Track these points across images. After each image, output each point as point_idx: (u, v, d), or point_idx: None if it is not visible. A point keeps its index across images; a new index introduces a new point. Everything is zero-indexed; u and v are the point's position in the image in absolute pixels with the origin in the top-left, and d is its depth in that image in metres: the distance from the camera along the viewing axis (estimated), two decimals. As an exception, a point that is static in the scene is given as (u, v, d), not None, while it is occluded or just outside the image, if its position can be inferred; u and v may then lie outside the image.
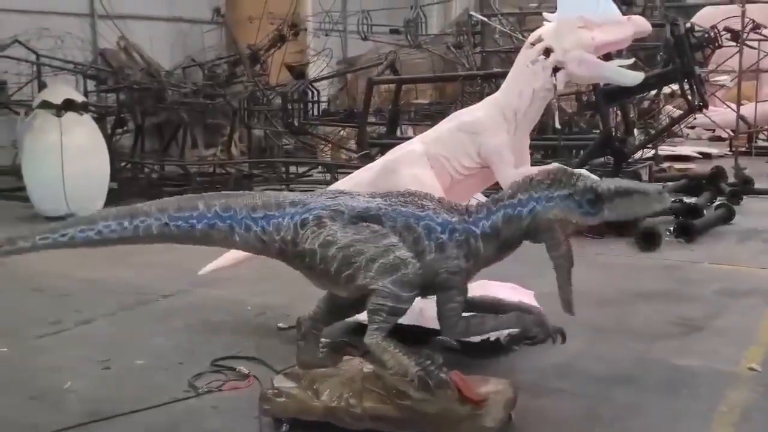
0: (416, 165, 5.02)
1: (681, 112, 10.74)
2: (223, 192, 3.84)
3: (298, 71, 14.94)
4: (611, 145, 9.18)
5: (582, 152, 9.83)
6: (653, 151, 12.27)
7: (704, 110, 10.05)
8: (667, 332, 5.25)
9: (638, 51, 11.48)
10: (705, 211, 9.10)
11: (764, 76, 17.36)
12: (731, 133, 15.74)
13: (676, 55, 9.06)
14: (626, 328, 5.35)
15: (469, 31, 15.18)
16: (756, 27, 14.12)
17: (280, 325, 5.34)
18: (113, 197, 10.47)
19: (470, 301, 3.86)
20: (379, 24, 18.48)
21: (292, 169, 12.86)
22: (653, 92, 12.30)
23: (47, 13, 16.04)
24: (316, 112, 15.37)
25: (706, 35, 11.29)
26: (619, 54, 7.21)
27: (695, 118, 13.23)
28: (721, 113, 15.69)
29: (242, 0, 17.36)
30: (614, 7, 5.11)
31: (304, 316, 3.93)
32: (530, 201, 3.70)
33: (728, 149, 16.16)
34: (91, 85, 14.63)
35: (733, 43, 13.35)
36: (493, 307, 3.91)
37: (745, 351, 4.87)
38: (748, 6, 13.53)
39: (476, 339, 4.57)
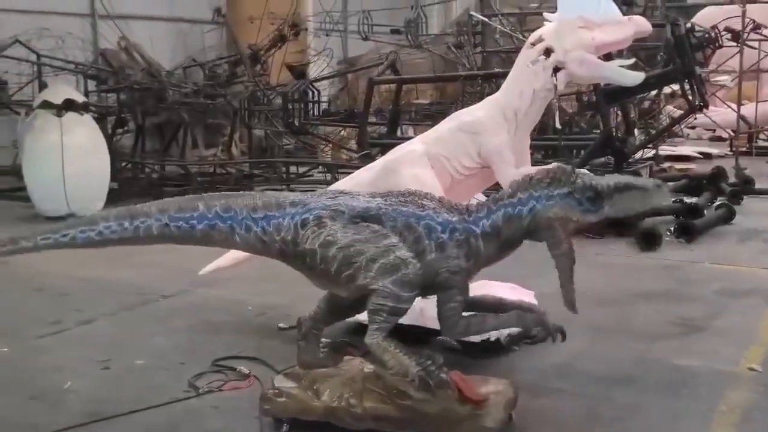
0: (417, 165, 5.03)
1: (681, 112, 10.76)
2: (223, 192, 3.84)
3: (298, 71, 14.94)
4: (612, 145, 9.19)
5: (582, 152, 9.82)
6: (654, 151, 12.27)
7: (705, 110, 10.06)
8: (667, 332, 5.25)
9: (639, 51, 11.48)
10: (705, 211, 9.10)
11: (765, 76, 17.36)
12: (732, 133, 15.74)
13: (676, 55, 9.06)
14: (626, 328, 5.35)
15: (469, 31, 15.18)
16: (756, 27, 14.13)
17: (281, 325, 5.35)
18: (114, 197, 10.48)
19: (472, 301, 3.87)
20: (379, 24, 18.47)
21: (293, 169, 12.86)
22: (654, 92, 12.32)
23: (48, 13, 16.05)
24: (316, 112, 15.38)
25: (707, 35, 11.29)
26: (619, 54, 7.21)
27: (696, 118, 13.24)
28: (721, 113, 15.70)
29: (243, 0, 17.37)
30: (615, 7, 5.11)
31: (305, 316, 3.94)
32: (530, 200, 3.70)
33: (729, 149, 16.16)
34: (91, 85, 14.63)
35: (734, 44, 13.37)
36: (495, 307, 3.91)
37: (746, 351, 4.87)
38: (748, 6, 13.53)
39: (476, 339, 4.57)
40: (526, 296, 5.02)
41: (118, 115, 12.78)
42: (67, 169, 9.58)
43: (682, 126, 13.46)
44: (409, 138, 7.00)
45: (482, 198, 4.71)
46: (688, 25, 9.99)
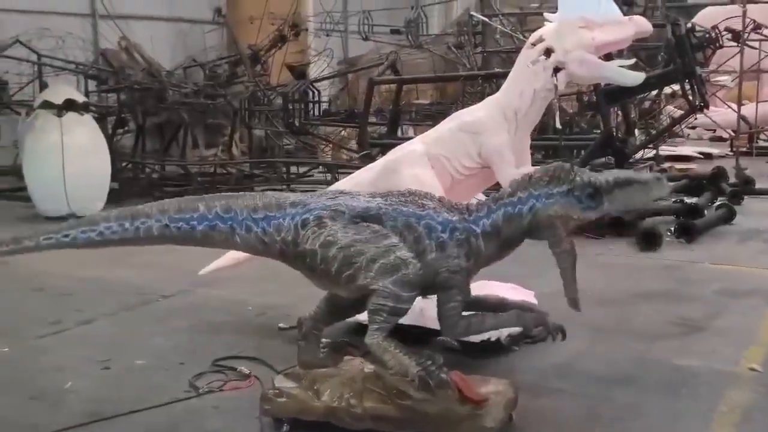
0: (417, 165, 5.03)
1: (682, 112, 10.75)
2: (223, 193, 3.85)
3: (299, 71, 14.95)
4: (612, 146, 9.18)
5: (583, 152, 9.82)
6: (654, 152, 12.27)
7: (705, 110, 10.05)
8: (667, 332, 5.25)
9: (639, 51, 11.49)
10: (706, 212, 9.10)
11: (765, 76, 17.38)
12: (732, 134, 15.74)
13: (677, 56, 9.06)
14: (626, 328, 5.35)
15: (470, 31, 15.19)
16: (757, 27, 14.13)
17: (281, 325, 5.34)
18: (114, 197, 10.49)
19: (475, 300, 3.87)
20: (380, 24, 18.48)
21: (293, 169, 12.86)
22: (654, 92, 12.31)
23: (48, 13, 16.07)
24: (317, 113, 15.39)
25: (707, 35, 11.28)
26: (620, 54, 7.22)
27: (696, 119, 13.23)
28: (722, 113, 15.70)
29: (243, 0, 17.37)
30: (615, 7, 5.11)
31: (305, 316, 3.93)
32: (530, 199, 3.70)
33: (729, 149, 16.17)
34: (92, 85, 14.66)
35: (734, 44, 13.37)
36: (497, 307, 3.91)
37: (746, 351, 4.87)
38: (749, 6, 13.53)
39: (476, 339, 4.57)
40: (527, 296, 5.03)
41: (119, 115, 12.79)
42: (67, 169, 9.59)
43: (683, 126, 13.46)
44: (410, 138, 7.00)
45: (482, 198, 4.71)
46: (689, 25, 9.99)
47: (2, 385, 4.46)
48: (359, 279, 3.52)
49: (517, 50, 6.42)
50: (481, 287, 4.23)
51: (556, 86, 5.01)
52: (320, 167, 12.76)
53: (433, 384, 3.45)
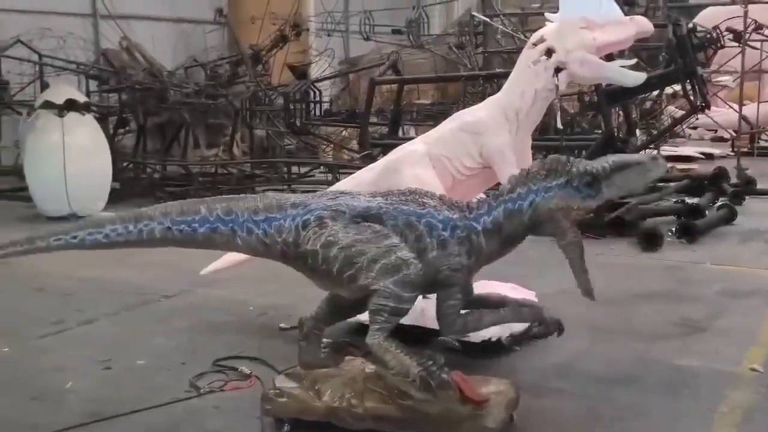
0: (418, 165, 5.03)
1: (683, 112, 10.74)
2: (225, 196, 3.86)
3: (300, 71, 14.94)
4: (613, 146, 9.15)
5: (584, 153, 9.81)
6: (655, 152, 12.27)
7: (706, 111, 10.05)
8: (668, 332, 5.25)
9: (640, 51, 11.47)
10: (707, 212, 9.10)
11: (766, 76, 17.35)
12: (733, 134, 15.73)
13: (678, 56, 9.05)
14: (627, 328, 5.35)
15: (471, 31, 15.18)
16: (758, 27, 14.11)
17: (282, 325, 5.35)
18: (115, 197, 10.50)
19: (476, 299, 3.87)
20: (381, 24, 18.48)
21: (294, 169, 12.87)
22: (655, 93, 12.31)
23: (49, 13, 16.07)
24: (318, 113, 15.37)
25: (709, 36, 11.29)
26: (621, 54, 7.21)
27: (697, 119, 13.22)
28: (723, 114, 15.69)
29: (244, 0, 17.38)
30: (616, 7, 5.10)
31: (306, 316, 3.94)
32: (529, 194, 3.71)
33: (730, 150, 16.16)
34: (93, 85, 14.67)
35: (736, 44, 13.35)
36: (498, 305, 3.92)
37: (747, 351, 4.86)
38: (750, 6, 13.52)
39: (477, 339, 4.58)
40: (528, 296, 5.02)
41: (120, 115, 12.81)
42: (68, 169, 9.59)
43: (684, 126, 13.46)
44: (411, 138, 7.00)
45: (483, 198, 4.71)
46: (690, 25, 9.99)
47: (3, 385, 4.46)
48: (360, 279, 3.52)
49: (519, 50, 6.42)
50: (481, 287, 4.23)
51: (557, 86, 5.00)
52: (321, 167, 12.77)
53: (434, 384, 3.45)
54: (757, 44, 14.83)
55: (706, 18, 15.57)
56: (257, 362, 4.62)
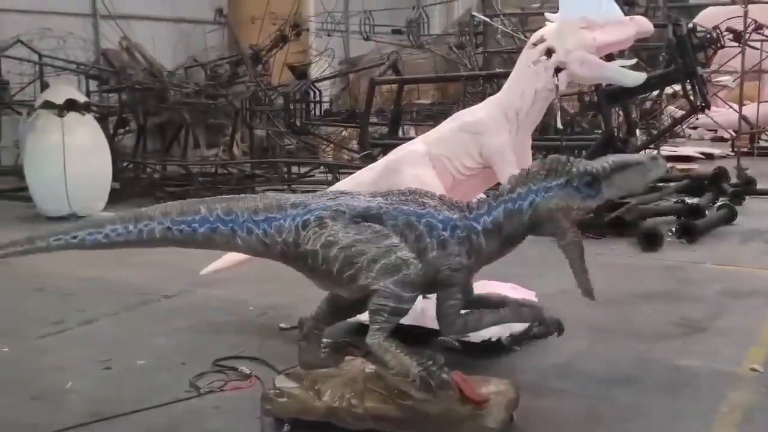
0: (418, 165, 5.02)
1: (683, 112, 10.74)
2: (225, 196, 3.86)
3: (300, 71, 14.94)
4: (613, 146, 9.14)
5: (584, 153, 9.81)
6: (655, 152, 12.26)
7: (706, 111, 10.05)
8: (668, 332, 5.25)
9: (640, 51, 11.47)
10: (707, 212, 9.10)
11: (766, 76, 17.35)
12: (733, 134, 15.73)
13: (678, 56, 9.05)
14: (627, 328, 5.35)
15: (471, 31, 15.18)
16: (758, 27, 14.11)
17: (282, 325, 5.35)
18: (115, 197, 10.50)
19: (476, 299, 3.87)
20: (381, 24, 18.48)
21: (294, 169, 12.87)
22: (655, 93, 12.30)
23: (49, 13, 16.07)
24: (318, 113, 15.38)
25: (709, 36, 11.27)
26: (621, 54, 7.21)
27: (697, 119, 13.22)
28: (723, 114, 15.69)
29: (244, 0, 17.38)
30: (616, 7, 5.10)
31: (306, 316, 3.94)
32: (529, 194, 3.71)
33: (730, 150, 16.16)
34: (93, 85, 14.67)
35: (736, 44, 13.35)
36: (498, 305, 3.92)
37: (747, 352, 4.86)
38: (750, 6, 13.52)
39: (477, 339, 4.58)
40: (528, 296, 5.02)
41: (120, 115, 12.81)
42: (68, 169, 9.59)
43: (684, 126, 13.45)
44: (411, 138, 6.99)
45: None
46: (690, 25, 9.99)
47: (3, 385, 4.46)
48: (360, 279, 3.52)
49: (519, 50, 6.42)
50: (481, 287, 4.23)
51: (557, 86, 5.00)
52: (321, 167, 12.77)
53: (435, 384, 3.45)
54: (757, 44, 14.83)
55: (706, 18, 15.57)
56: (257, 362, 4.62)
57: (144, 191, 11.49)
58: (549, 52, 4.97)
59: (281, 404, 3.74)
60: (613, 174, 3.69)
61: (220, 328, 5.42)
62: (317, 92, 15.23)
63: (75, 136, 9.78)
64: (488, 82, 11.69)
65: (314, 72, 15.60)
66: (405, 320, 3.81)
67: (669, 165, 13.06)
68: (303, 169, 13.05)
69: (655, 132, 12.10)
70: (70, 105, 9.88)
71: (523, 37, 12.12)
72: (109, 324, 5.64)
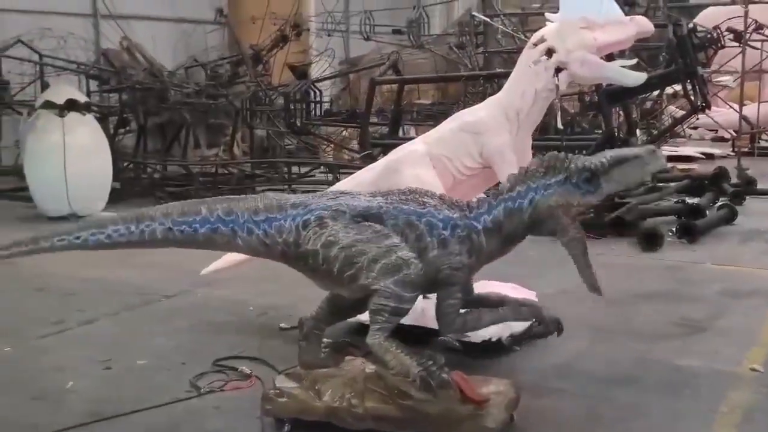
0: (418, 165, 5.03)
1: (683, 112, 10.74)
2: (225, 196, 3.86)
3: (300, 71, 14.94)
4: (614, 146, 9.16)
5: (585, 153, 9.81)
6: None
7: (707, 111, 10.05)
8: (668, 332, 5.25)
9: (641, 51, 11.47)
10: (707, 212, 9.10)
11: (767, 76, 17.35)
12: (734, 134, 15.72)
13: (678, 56, 9.05)
14: (627, 328, 5.35)
15: (471, 31, 15.19)
16: (759, 27, 14.11)
17: (282, 325, 5.35)
18: (116, 197, 10.50)
19: (476, 298, 3.87)
20: (381, 24, 18.47)
21: (295, 169, 12.86)
22: (656, 93, 12.30)
23: (50, 13, 16.05)
24: (318, 113, 15.38)
25: (709, 36, 11.28)
26: (621, 54, 7.21)
27: (698, 119, 13.22)
28: (723, 114, 15.69)
29: (245, 0, 17.38)
30: (617, 7, 5.10)
31: (306, 316, 3.94)
32: (529, 192, 3.70)
33: (731, 150, 16.15)
34: (93, 85, 14.67)
35: (736, 44, 13.35)
36: (498, 305, 3.91)
37: (748, 352, 4.86)
38: (750, 6, 13.52)
39: (478, 339, 4.58)
40: (528, 296, 5.02)
41: (120, 115, 12.80)
42: (69, 169, 9.58)
43: (684, 126, 13.46)
44: (411, 138, 6.99)
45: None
46: (691, 25, 9.98)
47: (3, 385, 4.47)
48: (361, 279, 3.52)
49: (519, 50, 6.42)
50: (482, 287, 4.23)
51: (557, 86, 5.00)
52: (322, 167, 12.76)
53: (435, 384, 3.45)
54: (758, 44, 14.83)
55: (707, 18, 15.57)
56: (257, 362, 4.62)
57: (144, 191, 11.50)
58: (549, 52, 4.97)
59: (281, 404, 3.75)
60: (612, 169, 3.68)
61: (220, 328, 5.42)
62: (318, 92, 15.24)
63: (75, 136, 9.78)
64: (488, 82, 11.70)
65: (314, 72, 15.60)
66: (405, 320, 3.81)
67: (669, 165, 13.12)
68: (303, 169, 13.04)
69: (655, 132, 12.10)
70: (71, 105, 9.88)
71: (523, 37, 12.12)
72: (110, 324, 5.64)
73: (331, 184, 9.12)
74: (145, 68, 13.49)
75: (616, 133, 9.51)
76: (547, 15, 5.22)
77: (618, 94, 8.96)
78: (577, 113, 12.64)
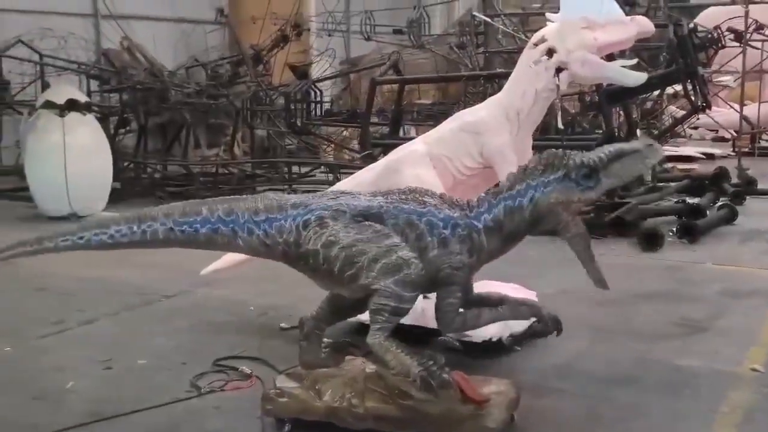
0: (419, 165, 5.03)
1: (684, 112, 10.75)
2: (226, 196, 3.86)
3: (301, 71, 14.94)
4: (614, 146, 9.16)
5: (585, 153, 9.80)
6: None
7: (707, 111, 10.05)
8: (668, 332, 5.25)
9: (641, 51, 11.47)
10: (708, 212, 9.10)
11: (767, 76, 17.35)
12: (734, 134, 15.72)
13: (679, 56, 9.05)
14: (627, 328, 5.35)
15: (472, 31, 15.17)
16: (759, 27, 14.11)
17: (283, 325, 5.35)
18: (116, 197, 10.50)
19: (476, 298, 3.87)
20: (382, 24, 18.46)
21: (295, 169, 12.87)
22: (656, 93, 12.30)
23: (50, 13, 16.05)
24: (319, 113, 15.38)
25: (710, 36, 11.27)
26: (622, 54, 7.20)
27: (698, 119, 13.23)
28: (724, 114, 15.68)
29: (245, 0, 17.38)
30: (617, 7, 5.10)
31: (307, 316, 3.94)
32: (529, 190, 3.70)
33: (731, 150, 16.15)
34: (94, 85, 14.66)
35: (737, 44, 13.35)
36: (498, 304, 3.91)
37: (748, 352, 4.86)
38: (751, 6, 13.51)
39: (478, 339, 4.58)
40: (529, 296, 5.02)
41: (121, 115, 12.80)
42: (69, 169, 9.58)
43: (685, 126, 13.46)
44: (412, 138, 6.99)
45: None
46: (691, 25, 9.99)
47: (3, 385, 4.47)
48: (361, 279, 3.52)
49: (519, 50, 6.42)
50: (482, 287, 4.23)
51: (558, 86, 5.00)
52: (322, 167, 12.76)
53: (435, 384, 3.44)
54: (758, 44, 14.83)
55: (707, 18, 15.58)
56: (258, 362, 4.63)
57: (145, 191, 11.50)
58: (550, 52, 4.97)
59: (282, 404, 3.75)
60: (610, 164, 3.67)
61: (220, 328, 5.42)
62: (318, 92, 15.24)
63: (76, 136, 9.78)
64: (489, 82, 11.68)
65: (315, 72, 15.60)
66: (405, 320, 3.81)
67: (670, 165, 13.13)
68: (304, 169, 13.05)
69: (656, 132, 12.09)
70: (71, 105, 9.88)
71: (523, 37, 12.12)
72: (110, 324, 5.64)
73: (331, 184, 9.12)
74: (145, 68, 13.49)
75: (616, 133, 9.51)
76: (548, 15, 5.22)
77: (618, 94, 8.97)
78: (577, 113, 12.63)
